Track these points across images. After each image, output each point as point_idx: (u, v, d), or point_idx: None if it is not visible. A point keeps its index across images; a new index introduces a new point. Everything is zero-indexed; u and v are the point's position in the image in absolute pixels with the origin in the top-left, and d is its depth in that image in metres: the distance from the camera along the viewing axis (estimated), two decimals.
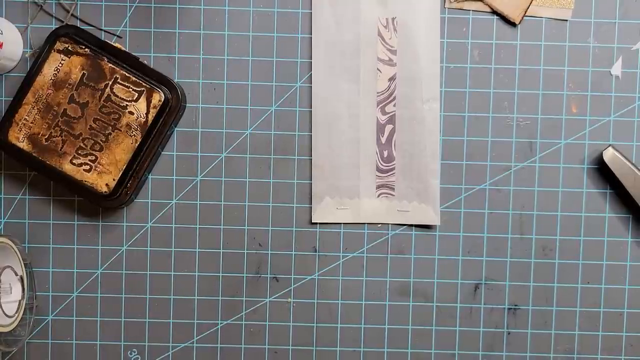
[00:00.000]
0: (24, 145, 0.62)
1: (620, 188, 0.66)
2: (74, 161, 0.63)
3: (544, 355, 0.67)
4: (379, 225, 0.67)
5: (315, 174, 0.66)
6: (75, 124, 0.62)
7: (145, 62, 0.66)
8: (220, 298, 0.67)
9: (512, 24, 0.66)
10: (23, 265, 0.64)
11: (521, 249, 0.67)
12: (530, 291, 0.67)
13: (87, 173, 0.63)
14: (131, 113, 0.62)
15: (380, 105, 0.66)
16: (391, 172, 0.66)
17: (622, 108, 0.66)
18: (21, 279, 0.64)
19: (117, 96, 0.62)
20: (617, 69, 0.66)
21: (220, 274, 0.67)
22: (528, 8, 0.66)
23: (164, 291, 0.67)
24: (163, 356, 0.67)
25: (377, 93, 0.66)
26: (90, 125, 0.62)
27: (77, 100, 0.62)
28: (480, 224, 0.67)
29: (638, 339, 0.67)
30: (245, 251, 0.67)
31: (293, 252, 0.67)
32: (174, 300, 0.67)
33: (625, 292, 0.67)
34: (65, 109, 0.62)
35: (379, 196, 0.66)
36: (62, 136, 0.62)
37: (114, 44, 0.64)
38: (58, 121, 0.62)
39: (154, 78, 0.63)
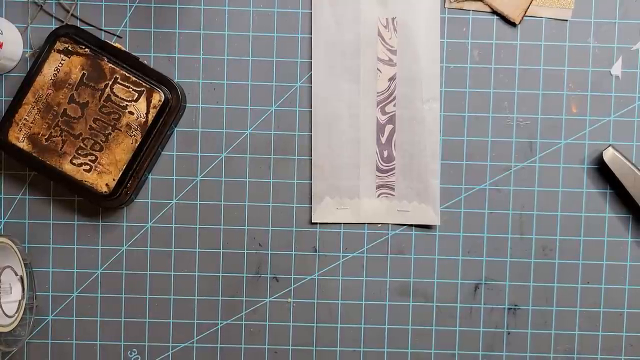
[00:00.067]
0: (24, 145, 0.62)
1: (620, 188, 0.66)
2: (74, 161, 0.63)
3: (544, 355, 0.67)
4: (379, 225, 0.67)
5: (315, 174, 0.66)
6: (75, 124, 0.62)
7: (145, 62, 0.66)
8: (220, 298, 0.67)
9: (512, 24, 0.66)
10: (23, 265, 0.64)
11: (521, 249, 0.67)
12: (530, 291, 0.67)
13: (87, 173, 0.63)
14: (131, 113, 0.62)
15: (380, 105, 0.66)
16: (391, 172, 0.66)
17: (622, 108, 0.66)
18: (21, 279, 0.64)
19: (117, 96, 0.62)
20: (617, 69, 0.66)
21: (220, 274, 0.67)
22: (528, 8, 0.66)
23: (164, 291, 0.67)
24: (163, 356, 0.67)
25: (377, 93, 0.66)
26: (90, 125, 0.62)
27: (77, 100, 0.62)
28: (480, 224, 0.67)
29: (638, 339, 0.67)
30: (245, 251, 0.67)
31: (293, 252, 0.67)
32: (174, 300, 0.67)
33: (625, 292, 0.67)
34: (65, 109, 0.62)
35: (379, 196, 0.66)
36: (62, 136, 0.62)
37: (114, 44, 0.64)
38: (58, 121, 0.62)
39: (154, 78, 0.63)
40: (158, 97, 0.62)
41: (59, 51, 0.62)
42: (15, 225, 0.67)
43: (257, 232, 0.67)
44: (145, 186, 0.67)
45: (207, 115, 0.66)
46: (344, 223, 0.67)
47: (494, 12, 0.66)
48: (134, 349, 0.67)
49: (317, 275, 0.67)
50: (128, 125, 0.62)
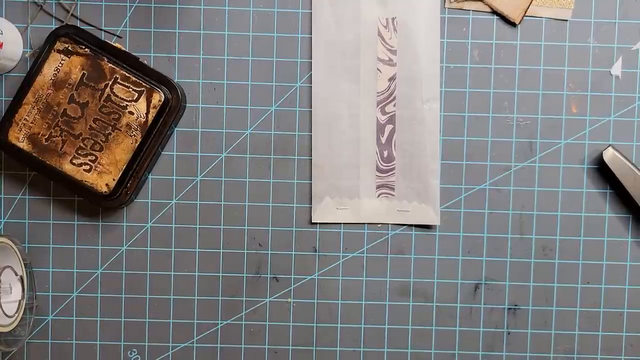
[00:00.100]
0: (24, 145, 0.62)
1: (620, 188, 0.66)
2: (74, 161, 0.63)
3: (544, 355, 0.67)
4: (379, 225, 0.67)
5: (315, 174, 0.66)
6: (75, 124, 0.62)
7: (145, 62, 0.66)
8: (220, 298, 0.67)
9: (512, 24, 0.66)
10: (23, 265, 0.64)
11: (521, 249, 0.67)
12: (530, 291, 0.67)
13: (87, 173, 0.63)
14: (131, 113, 0.62)
15: (380, 105, 0.66)
16: (391, 172, 0.66)
17: (622, 108, 0.66)
18: (21, 279, 0.64)
19: (117, 96, 0.62)
20: (617, 69, 0.66)
21: (220, 274, 0.67)
22: (528, 8, 0.66)
23: (164, 291, 0.67)
24: (163, 356, 0.67)
25: (377, 93, 0.66)
26: (90, 125, 0.62)
27: (77, 100, 0.62)
28: (480, 224, 0.67)
29: (638, 339, 0.67)
30: (245, 251, 0.67)
31: (293, 252, 0.67)
32: (174, 300, 0.67)
33: (625, 292, 0.67)
34: (65, 109, 0.62)
35: (379, 196, 0.66)
36: (62, 136, 0.62)
37: (114, 44, 0.64)
38: (58, 121, 0.62)
39: (154, 78, 0.63)
40: (158, 97, 0.62)
41: (59, 51, 0.62)
42: (15, 225, 0.67)
43: (257, 232, 0.67)
44: (145, 186, 0.67)
45: (207, 115, 0.66)
46: (344, 223, 0.67)
47: (494, 12, 0.66)
48: (134, 349, 0.67)
49: (317, 275, 0.67)
50: (128, 125, 0.62)
